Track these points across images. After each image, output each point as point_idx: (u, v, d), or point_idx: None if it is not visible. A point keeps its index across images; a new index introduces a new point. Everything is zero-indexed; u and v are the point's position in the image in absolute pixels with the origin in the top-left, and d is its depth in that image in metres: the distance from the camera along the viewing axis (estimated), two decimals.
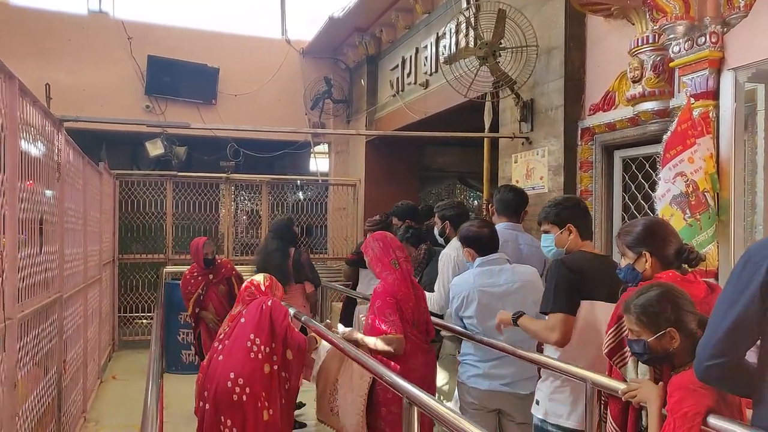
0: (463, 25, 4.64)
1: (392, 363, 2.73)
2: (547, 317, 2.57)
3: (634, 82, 3.75)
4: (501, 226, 3.58)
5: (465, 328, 3.07)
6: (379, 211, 5.61)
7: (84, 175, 4.79)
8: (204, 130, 7.68)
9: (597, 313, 2.51)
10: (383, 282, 2.95)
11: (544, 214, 2.78)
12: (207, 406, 3.04)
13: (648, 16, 3.63)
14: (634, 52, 3.74)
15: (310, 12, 11.82)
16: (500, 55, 4.64)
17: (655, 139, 3.69)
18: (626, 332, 2.06)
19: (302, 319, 3.47)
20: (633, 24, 3.83)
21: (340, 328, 3.15)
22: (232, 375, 3.00)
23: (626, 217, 4.11)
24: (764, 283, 1.54)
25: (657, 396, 1.85)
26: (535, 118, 4.74)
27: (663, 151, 3.28)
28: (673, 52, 3.46)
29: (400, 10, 7.36)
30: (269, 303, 3.24)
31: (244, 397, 2.99)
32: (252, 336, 3.11)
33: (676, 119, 3.28)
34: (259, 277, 3.50)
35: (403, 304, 2.89)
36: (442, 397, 3.69)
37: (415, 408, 2.05)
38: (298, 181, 8.95)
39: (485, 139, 5.50)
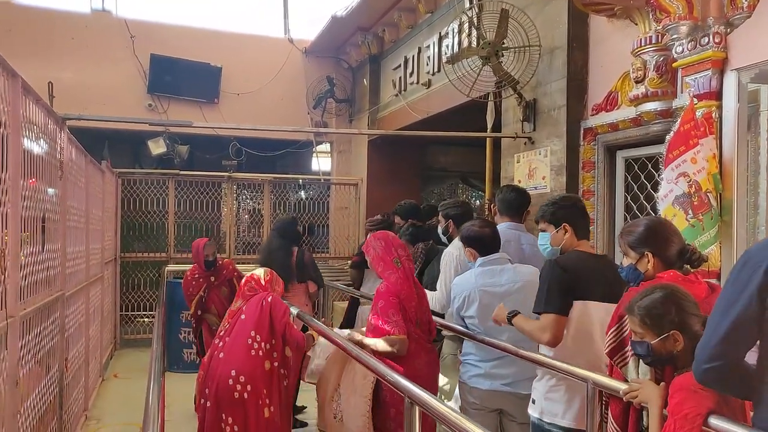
0: (466, 25, 4.64)
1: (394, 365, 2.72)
2: (539, 317, 2.58)
3: (637, 82, 3.75)
4: (503, 226, 3.58)
5: (466, 327, 3.07)
6: (382, 210, 5.61)
7: (86, 173, 4.80)
8: (206, 128, 7.71)
9: (591, 313, 2.52)
10: (386, 281, 2.94)
11: (540, 213, 2.79)
12: (208, 404, 3.04)
13: (651, 17, 3.62)
14: (637, 52, 3.73)
15: (312, 11, 11.83)
16: (503, 55, 4.63)
17: (658, 140, 3.69)
18: (627, 332, 2.06)
19: (305, 318, 3.47)
20: (636, 24, 3.82)
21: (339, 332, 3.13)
22: (233, 373, 3.01)
23: (628, 218, 4.10)
24: (762, 284, 1.53)
25: (658, 397, 1.85)
26: (537, 118, 4.74)
27: (666, 151, 3.28)
28: (676, 52, 3.46)
29: (403, 10, 7.36)
30: (269, 299, 3.24)
31: (246, 395, 2.99)
32: (253, 333, 3.11)
33: (679, 119, 3.28)
34: (260, 271, 3.48)
35: (406, 303, 2.88)
36: (443, 397, 3.69)
37: (417, 408, 2.05)
38: (300, 181, 8.96)
39: (488, 138, 5.50)
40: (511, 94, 4.80)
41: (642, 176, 4.02)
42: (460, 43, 5.95)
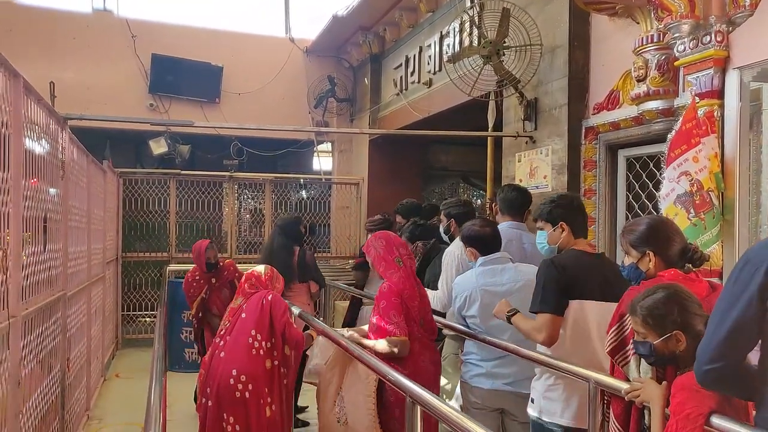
0: (467, 24, 4.63)
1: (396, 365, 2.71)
2: (536, 317, 2.58)
3: (638, 81, 3.74)
4: (505, 225, 3.58)
5: (468, 327, 3.07)
6: (383, 210, 5.61)
7: (88, 173, 4.80)
8: (207, 128, 7.70)
9: (587, 312, 2.52)
10: (388, 281, 2.93)
11: (538, 211, 2.80)
12: (209, 403, 3.04)
13: (653, 15, 3.61)
14: (638, 51, 3.73)
15: (313, 10, 11.80)
16: (504, 54, 4.63)
17: (660, 138, 3.68)
18: (628, 331, 2.06)
19: (307, 318, 3.47)
20: (638, 23, 3.82)
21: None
22: (234, 372, 3.00)
23: (630, 217, 4.09)
24: (763, 285, 1.52)
25: (660, 396, 1.84)
26: (538, 117, 4.73)
27: (667, 150, 3.27)
28: (677, 51, 3.45)
29: (404, 9, 7.36)
30: (269, 298, 3.23)
31: (247, 394, 2.99)
32: (253, 332, 3.11)
33: (681, 118, 3.27)
34: (260, 268, 3.48)
35: (409, 302, 2.87)
36: (444, 396, 3.68)
37: (418, 407, 2.04)
38: (302, 180, 8.95)
39: (489, 138, 5.49)
40: (513, 93, 4.80)
41: (644, 175, 4.02)
42: (461, 42, 5.91)
